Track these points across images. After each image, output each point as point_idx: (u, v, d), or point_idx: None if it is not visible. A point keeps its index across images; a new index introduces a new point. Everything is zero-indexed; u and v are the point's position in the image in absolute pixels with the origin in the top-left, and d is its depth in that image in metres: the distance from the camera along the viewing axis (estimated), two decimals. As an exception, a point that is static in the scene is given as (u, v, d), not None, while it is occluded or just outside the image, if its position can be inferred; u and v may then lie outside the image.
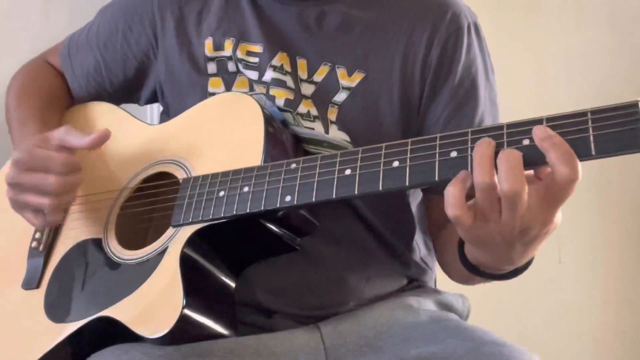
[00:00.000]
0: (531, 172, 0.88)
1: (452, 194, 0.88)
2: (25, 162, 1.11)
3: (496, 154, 0.87)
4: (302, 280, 1.16)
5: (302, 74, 1.20)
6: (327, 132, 1.17)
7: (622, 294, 2.40)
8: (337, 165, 0.98)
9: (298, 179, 1.00)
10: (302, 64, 1.20)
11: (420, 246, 1.27)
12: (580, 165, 0.84)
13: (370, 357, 1.09)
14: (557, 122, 0.86)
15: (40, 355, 1.09)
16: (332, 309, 1.17)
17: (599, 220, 2.38)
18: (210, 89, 1.22)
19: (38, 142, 1.13)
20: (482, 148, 0.87)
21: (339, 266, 1.17)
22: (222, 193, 1.04)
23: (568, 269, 2.36)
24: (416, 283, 1.26)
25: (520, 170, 0.85)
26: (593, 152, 0.84)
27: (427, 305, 1.20)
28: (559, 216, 0.90)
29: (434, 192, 1.22)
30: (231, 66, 1.22)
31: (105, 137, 1.13)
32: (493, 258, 0.97)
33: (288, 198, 0.99)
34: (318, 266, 1.16)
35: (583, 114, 0.85)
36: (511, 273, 1.01)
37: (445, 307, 1.23)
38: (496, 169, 0.86)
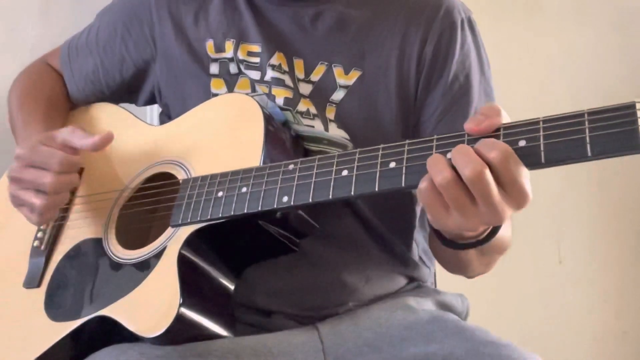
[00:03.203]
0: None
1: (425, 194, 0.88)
2: (26, 158, 1.12)
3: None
4: (301, 281, 1.16)
5: (300, 73, 1.20)
6: (326, 129, 1.17)
7: (622, 294, 2.40)
8: (335, 166, 0.98)
9: (295, 179, 1.00)
10: (298, 64, 1.20)
11: (419, 244, 1.27)
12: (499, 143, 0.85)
13: (369, 357, 1.09)
14: (553, 123, 0.86)
15: (39, 354, 1.09)
16: (331, 310, 1.17)
17: (599, 220, 2.38)
18: (213, 90, 1.22)
19: (43, 139, 1.14)
20: (431, 159, 0.88)
21: (338, 267, 1.17)
22: (220, 193, 1.05)
23: (568, 269, 2.36)
24: (415, 283, 1.26)
25: (470, 151, 0.85)
26: (589, 154, 0.83)
27: (426, 305, 1.20)
28: (528, 186, 0.88)
29: None
30: (233, 68, 1.23)
31: (108, 139, 1.14)
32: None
33: (285, 198, 0.99)
34: (317, 267, 1.16)
35: (580, 115, 0.85)
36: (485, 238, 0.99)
37: (445, 307, 1.23)
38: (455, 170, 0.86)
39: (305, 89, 1.19)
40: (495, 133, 0.88)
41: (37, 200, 1.12)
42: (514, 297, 2.29)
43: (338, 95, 1.18)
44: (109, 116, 1.32)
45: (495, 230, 0.98)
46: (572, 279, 2.37)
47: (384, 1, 1.22)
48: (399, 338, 1.10)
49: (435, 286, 1.33)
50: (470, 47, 1.21)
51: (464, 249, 1.00)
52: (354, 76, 1.19)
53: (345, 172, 0.97)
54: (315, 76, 1.19)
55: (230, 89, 1.22)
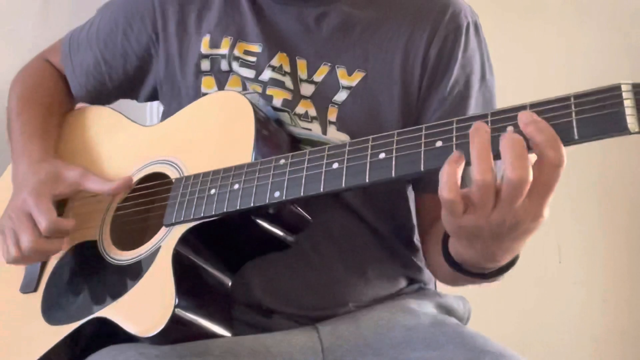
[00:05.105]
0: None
1: (447, 174, 0.85)
2: (29, 205, 1.14)
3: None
4: (301, 281, 1.16)
5: (302, 74, 1.20)
6: (324, 132, 1.17)
7: (622, 294, 2.40)
8: (325, 159, 0.98)
9: (287, 174, 1.00)
10: (301, 64, 1.20)
11: (420, 245, 1.26)
12: (565, 150, 0.83)
13: (369, 358, 1.09)
14: (540, 108, 0.86)
15: (37, 357, 1.10)
16: (331, 310, 1.17)
17: (599, 220, 2.37)
18: (203, 89, 1.22)
19: (50, 181, 1.17)
20: (480, 138, 0.85)
21: (338, 266, 1.17)
22: (213, 191, 1.05)
23: (568, 269, 2.36)
24: (417, 285, 1.26)
25: (526, 157, 0.83)
26: (576, 137, 0.83)
27: (427, 308, 1.20)
28: (547, 211, 0.88)
29: (423, 191, 1.22)
30: (224, 65, 1.22)
31: (128, 184, 1.16)
32: (477, 254, 0.95)
33: (277, 194, 1.00)
34: (317, 266, 1.16)
35: (566, 98, 0.85)
36: (495, 273, 1.00)
37: (446, 310, 1.22)
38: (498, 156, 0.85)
39: (307, 89, 1.19)
40: (483, 120, 0.87)
41: (14, 250, 1.15)
42: (513, 296, 2.28)
43: (340, 96, 1.18)
44: (102, 119, 1.32)
45: (503, 269, 0.99)
46: (572, 279, 2.36)
47: (389, 3, 1.22)
48: (399, 340, 1.10)
49: (436, 287, 1.33)
50: (474, 52, 1.21)
51: (470, 277, 1.01)
52: (357, 77, 1.18)
53: (335, 165, 0.97)
54: (318, 77, 1.19)
55: (221, 87, 1.22)
